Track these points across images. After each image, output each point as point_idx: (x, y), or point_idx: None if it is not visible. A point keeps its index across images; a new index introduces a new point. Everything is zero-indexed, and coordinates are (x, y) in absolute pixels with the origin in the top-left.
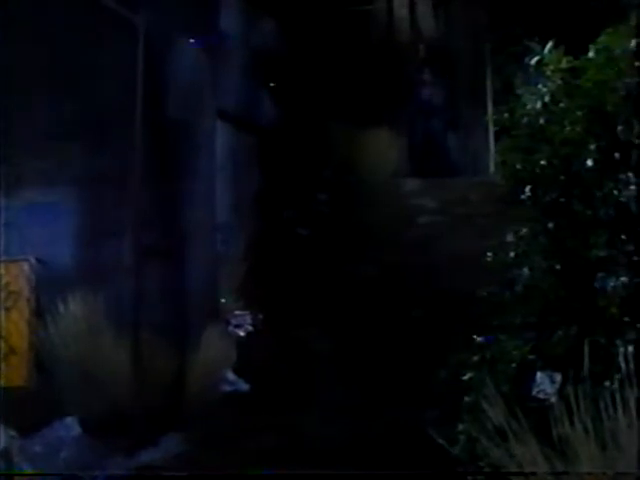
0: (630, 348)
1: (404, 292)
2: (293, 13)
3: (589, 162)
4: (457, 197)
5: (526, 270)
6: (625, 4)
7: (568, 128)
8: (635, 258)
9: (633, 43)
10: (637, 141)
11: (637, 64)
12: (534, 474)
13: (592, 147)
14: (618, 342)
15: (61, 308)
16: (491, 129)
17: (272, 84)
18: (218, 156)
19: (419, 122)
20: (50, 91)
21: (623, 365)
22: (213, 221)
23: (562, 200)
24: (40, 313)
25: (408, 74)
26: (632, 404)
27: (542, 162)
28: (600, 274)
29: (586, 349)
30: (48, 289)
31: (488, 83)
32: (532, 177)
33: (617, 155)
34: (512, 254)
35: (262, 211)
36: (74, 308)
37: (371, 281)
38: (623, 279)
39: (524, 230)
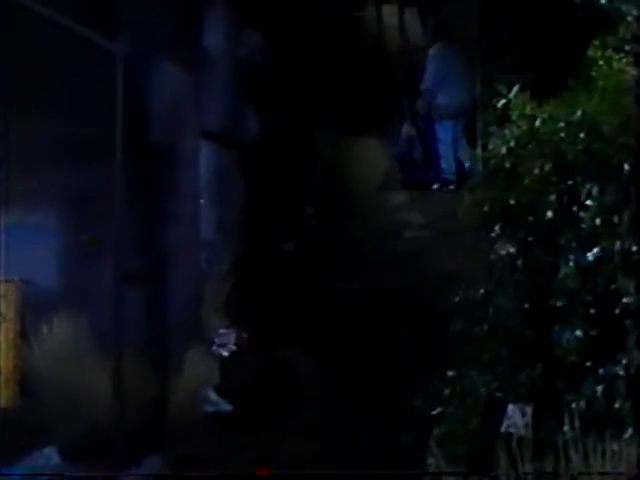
0: (582, 403)
1: (387, 312)
2: (279, 24)
3: (549, 213)
4: (445, 212)
5: (491, 311)
6: (613, 15)
7: (529, 178)
8: (592, 310)
9: (578, 113)
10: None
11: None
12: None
13: (552, 197)
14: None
15: (45, 330)
16: (479, 140)
17: (258, 97)
18: (202, 174)
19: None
20: (33, 115)
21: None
22: (197, 240)
23: (530, 240)
24: (24, 335)
25: (397, 83)
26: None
27: (511, 201)
28: (557, 326)
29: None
30: (32, 311)
31: (477, 93)
32: (502, 215)
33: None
34: (482, 291)
35: (248, 227)
36: (57, 330)
37: (355, 300)
38: (578, 333)
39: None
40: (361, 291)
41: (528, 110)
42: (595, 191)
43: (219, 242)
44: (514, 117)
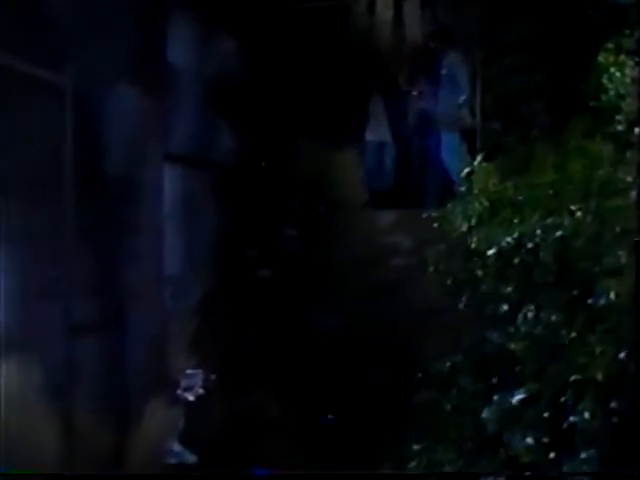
0: None
1: (365, 354)
2: (256, 28)
3: (504, 306)
4: (435, 234)
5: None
6: (628, 13)
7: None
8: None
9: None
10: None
11: None
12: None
13: (509, 289)
14: None
15: None
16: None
17: (231, 111)
18: (167, 203)
19: (400, 142)
20: None
21: None
22: (160, 276)
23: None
24: None
25: (389, 88)
26: None
27: (478, 273)
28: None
29: None
30: None
31: (477, 98)
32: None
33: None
34: (448, 364)
35: (219, 255)
36: (5, 379)
37: (333, 336)
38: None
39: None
40: (340, 327)
41: (491, 185)
42: None
43: (186, 275)
44: (476, 191)
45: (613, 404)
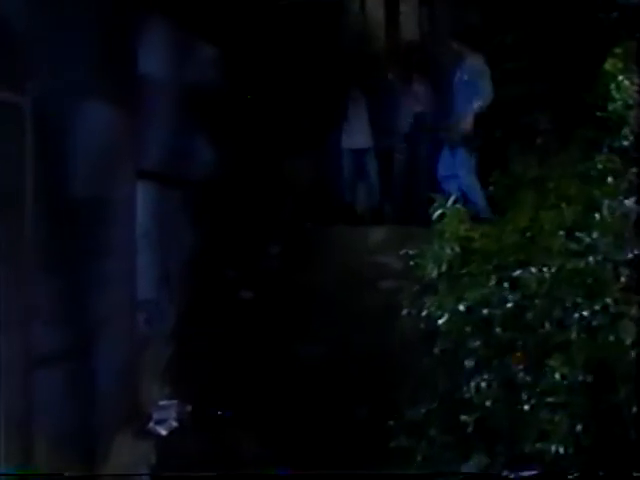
0: None
1: (347, 385)
2: (237, 31)
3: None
4: None
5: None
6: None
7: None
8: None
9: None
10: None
11: None
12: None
13: (476, 343)
14: None
15: None
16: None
17: (209, 123)
18: (141, 223)
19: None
20: None
21: None
22: (132, 301)
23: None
24: None
25: (382, 94)
26: None
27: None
28: None
29: None
30: None
31: None
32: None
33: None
34: (423, 411)
35: (197, 276)
36: None
37: (315, 367)
38: None
39: None
40: (325, 357)
41: (462, 232)
42: None
43: (161, 298)
44: (447, 235)
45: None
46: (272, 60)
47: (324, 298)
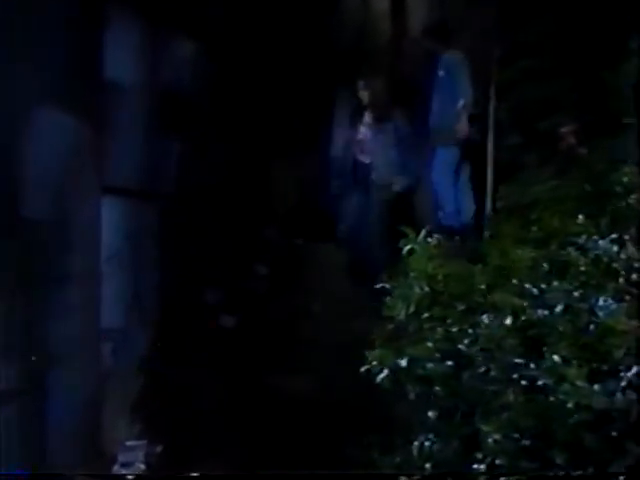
0: None
1: (332, 425)
2: (225, 27)
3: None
4: None
5: None
6: None
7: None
8: None
9: None
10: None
11: None
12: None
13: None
14: None
15: None
16: (490, 171)
17: (186, 129)
18: (107, 243)
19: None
20: None
21: None
22: (96, 330)
23: None
24: None
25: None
26: None
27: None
28: None
29: None
30: None
31: (491, 106)
32: None
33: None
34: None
35: (172, 300)
36: None
37: (297, 404)
38: None
39: None
40: (308, 394)
41: (430, 269)
42: None
43: (130, 327)
44: (415, 274)
45: None
46: (258, 57)
47: (312, 326)
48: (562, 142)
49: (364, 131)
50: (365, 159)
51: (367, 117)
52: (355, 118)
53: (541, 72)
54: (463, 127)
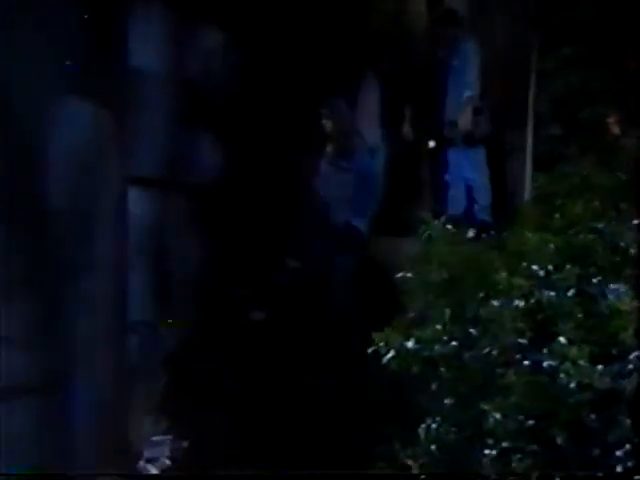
0: None
1: (369, 425)
2: (254, 16)
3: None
4: None
5: None
6: None
7: None
8: None
9: None
10: None
11: None
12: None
13: None
14: None
15: None
16: (529, 162)
17: (215, 121)
18: (134, 236)
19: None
20: None
21: None
22: (122, 325)
23: None
24: None
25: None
26: None
27: None
28: None
29: None
30: None
31: (530, 98)
32: None
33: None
34: None
35: (202, 294)
36: None
37: (329, 405)
38: None
39: None
40: (340, 393)
41: (448, 255)
42: None
43: (157, 320)
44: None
45: None
46: (284, 47)
47: (345, 324)
48: (607, 132)
49: None
50: None
51: None
52: None
53: (582, 60)
54: (466, 119)
